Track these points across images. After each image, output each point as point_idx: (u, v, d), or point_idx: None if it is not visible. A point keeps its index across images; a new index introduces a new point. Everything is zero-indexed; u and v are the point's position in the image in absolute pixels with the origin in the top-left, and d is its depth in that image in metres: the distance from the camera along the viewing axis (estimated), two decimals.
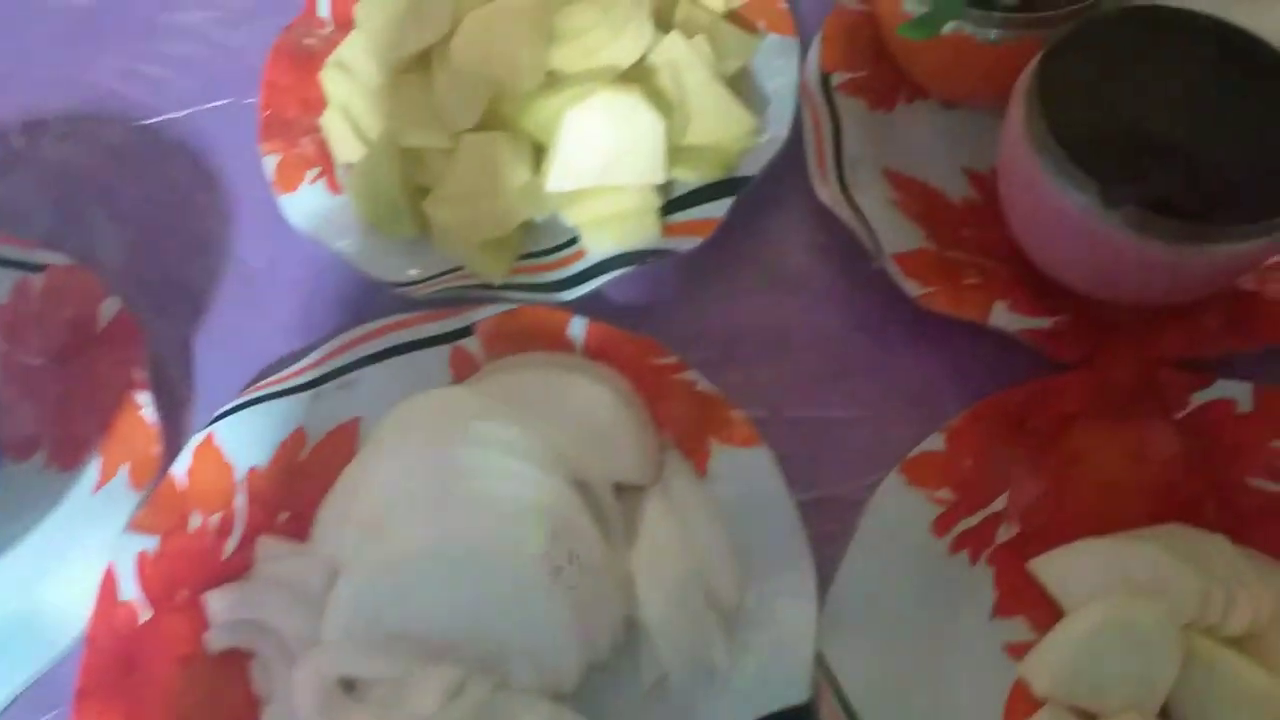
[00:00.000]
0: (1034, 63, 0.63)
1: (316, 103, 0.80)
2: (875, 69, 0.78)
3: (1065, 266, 0.65)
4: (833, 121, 0.75)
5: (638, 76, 0.71)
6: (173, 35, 0.90)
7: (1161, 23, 0.66)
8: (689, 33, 0.74)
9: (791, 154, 0.74)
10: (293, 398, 0.68)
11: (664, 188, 0.72)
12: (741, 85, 0.77)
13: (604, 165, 0.68)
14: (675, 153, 0.71)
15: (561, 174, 0.68)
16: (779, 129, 0.75)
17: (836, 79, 0.78)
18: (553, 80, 0.70)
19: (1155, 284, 0.63)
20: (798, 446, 0.64)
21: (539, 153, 0.70)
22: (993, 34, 0.68)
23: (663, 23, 0.76)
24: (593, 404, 0.62)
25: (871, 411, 0.67)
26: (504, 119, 0.70)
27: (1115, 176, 0.59)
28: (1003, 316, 0.66)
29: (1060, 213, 0.60)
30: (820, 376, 0.69)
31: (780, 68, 0.78)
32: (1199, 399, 0.63)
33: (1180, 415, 0.63)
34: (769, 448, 0.62)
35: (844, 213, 0.71)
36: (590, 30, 0.69)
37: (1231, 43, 0.64)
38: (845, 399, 0.68)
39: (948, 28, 0.68)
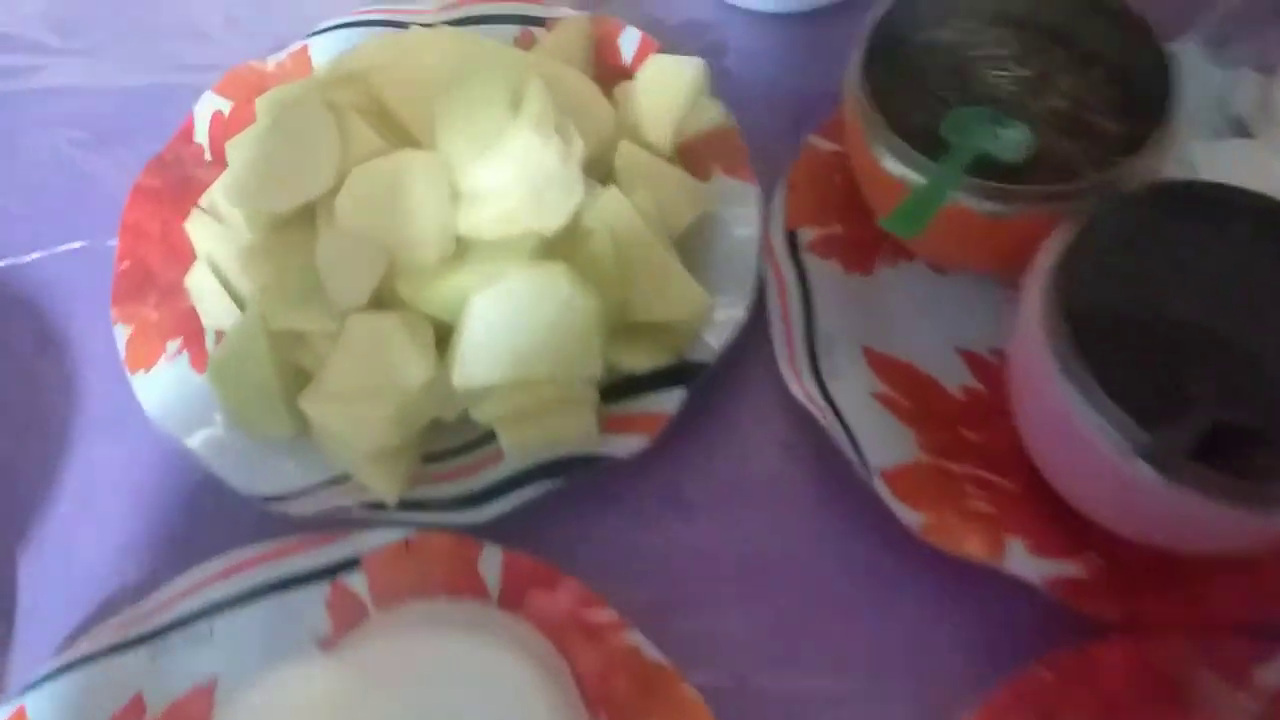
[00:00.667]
0: (1050, 262, 0.50)
1: (185, 253, 0.66)
2: (850, 223, 0.65)
3: (1094, 506, 0.52)
4: (802, 289, 0.63)
5: (566, 244, 0.58)
6: (22, 155, 0.76)
7: (1202, 201, 0.54)
8: (630, 183, 0.62)
9: (755, 327, 0.62)
10: (128, 655, 0.53)
11: (602, 377, 0.59)
12: (693, 245, 0.64)
13: (523, 356, 0.55)
14: (616, 335, 0.58)
15: (471, 367, 0.55)
16: (738, 301, 0.62)
17: (805, 235, 0.65)
18: (461, 250, 0.57)
19: (1209, 540, 0.50)
20: None
21: (444, 338, 0.57)
22: (993, 207, 0.55)
23: (598, 168, 0.63)
24: (502, 687, 0.48)
25: (862, 683, 0.54)
26: (401, 297, 0.56)
27: (1160, 413, 0.46)
28: (1019, 559, 0.53)
29: (1088, 450, 0.48)
30: (797, 628, 0.55)
31: (739, 219, 0.66)
32: (1269, 676, 0.50)
33: (1245, 694, 0.50)
34: None
35: (820, 413, 0.58)
36: (507, 190, 0.56)
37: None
38: (828, 662, 0.54)
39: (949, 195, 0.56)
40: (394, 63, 0.61)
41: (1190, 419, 0.49)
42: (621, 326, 0.59)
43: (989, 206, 0.56)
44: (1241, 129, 0.67)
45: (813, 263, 0.64)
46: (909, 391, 0.61)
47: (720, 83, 0.73)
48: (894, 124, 0.62)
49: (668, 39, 0.76)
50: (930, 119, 0.62)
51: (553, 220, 0.57)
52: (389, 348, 0.54)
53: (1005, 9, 0.65)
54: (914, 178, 0.57)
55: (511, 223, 0.57)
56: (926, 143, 0.58)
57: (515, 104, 0.57)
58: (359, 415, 0.54)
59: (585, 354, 0.55)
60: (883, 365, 0.61)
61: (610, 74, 0.71)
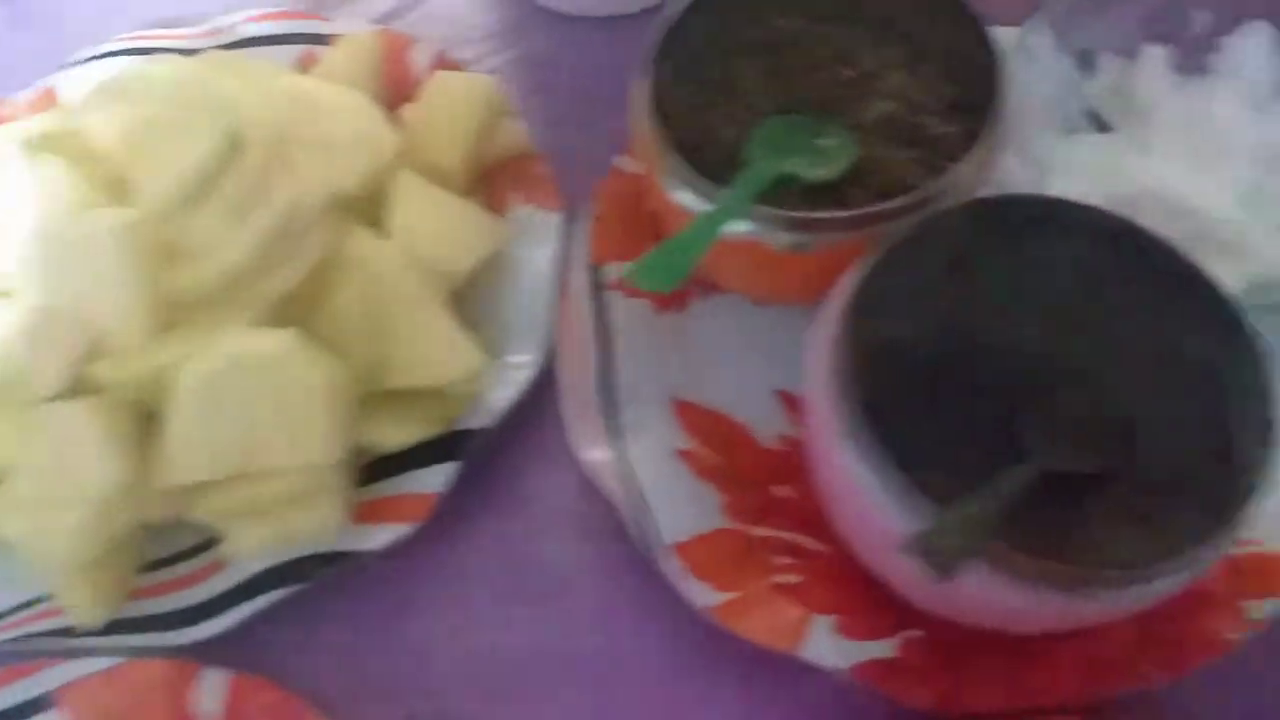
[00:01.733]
0: (841, 303, 0.42)
1: None
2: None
3: (895, 582, 0.44)
4: (601, 335, 0.55)
5: (307, 301, 0.50)
6: None
7: (1025, 219, 0.46)
8: (407, 219, 0.54)
9: (551, 381, 0.53)
10: None
11: (355, 453, 0.51)
12: (481, 288, 0.56)
13: (246, 443, 0.47)
14: (370, 405, 0.50)
15: (181, 462, 0.47)
16: (528, 353, 0.54)
17: (611, 272, 0.57)
18: (176, 321, 0.48)
19: (1025, 622, 0.42)
20: None
21: (151, 427, 0.48)
22: (791, 239, 0.47)
23: (374, 202, 0.55)
24: None
25: None
26: (100, 380, 0.48)
27: (981, 470, 0.39)
28: (822, 644, 0.46)
29: (879, 525, 0.40)
30: None
31: (536, 257, 0.57)
32: None
33: None
34: None
35: (610, 482, 0.50)
36: (228, 244, 0.48)
37: (1119, 243, 0.45)
38: None
39: (732, 228, 0.48)
40: (110, 102, 0.53)
41: (1004, 479, 0.41)
42: (377, 395, 0.50)
43: (786, 239, 0.48)
44: (1100, 122, 0.59)
45: (618, 303, 0.56)
46: (718, 445, 0.53)
47: (530, 99, 0.65)
48: (701, 141, 0.54)
49: (474, 52, 0.68)
50: (742, 133, 0.54)
51: (284, 278, 0.49)
52: (77, 444, 0.46)
53: (827, 2, 0.57)
54: (706, 210, 0.49)
55: (236, 283, 0.48)
56: (736, 163, 0.50)
57: (237, 145, 0.49)
58: (44, 525, 0.46)
59: (323, 436, 0.47)
60: (691, 417, 0.54)
61: (400, 94, 0.62)
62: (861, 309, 0.43)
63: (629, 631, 0.50)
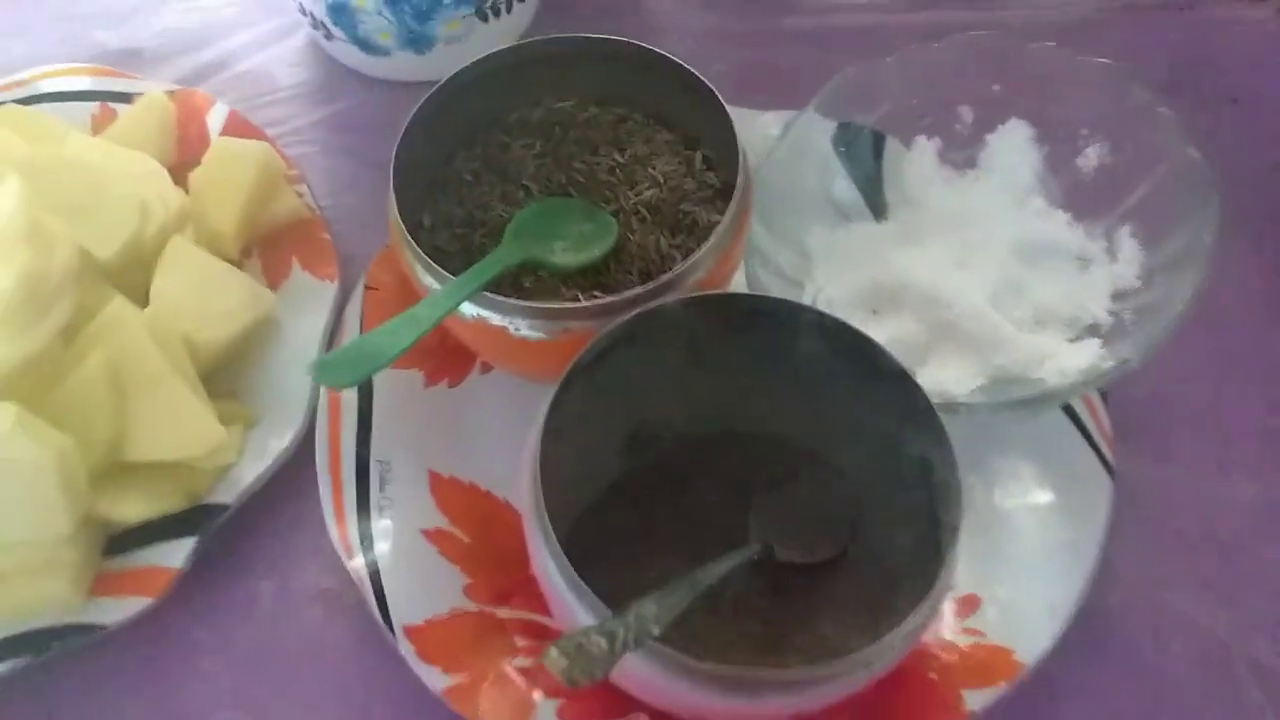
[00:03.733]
0: (544, 409, 0.43)
1: None
2: (442, 329, 0.57)
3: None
4: (360, 409, 0.55)
5: (47, 372, 0.49)
6: None
7: (733, 313, 0.47)
8: (173, 286, 0.54)
9: (309, 455, 0.53)
10: None
11: (96, 525, 0.50)
12: (248, 357, 0.56)
13: None
14: (110, 476, 0.50)
15: None
16: (285, 427, 0.54)
17: None
18: None
19: (727, 717, 0.43)
20: None
21: None
22: (523, 325, 0.48)
23: (139, 273, 0.54)
24: None
25: None
26: None
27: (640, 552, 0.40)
28: None
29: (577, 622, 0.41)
30: None
31: (307, 326, 0.57)
32: None
33: None
34: None
35: (351, 561, 0.50)
36: None
37: (829, 339, 0.46)
38: None
39: (470, 312, 0.48)
40: None
41: (705, 571, 0.42)
42: (120, 466, 0.50)
43: (524, 326, 0.48)
44: (877, 207, 0.60)
45: (385, 376, 0.56)
46: (473, 524, 0.53)
47: (332, 159, 0.66)
48: (474, 220, 0.55)
49: (281, 113, 0.68)
50: (513, 213, 0.55)
51: (16, 351, 0.48)
52: None
53: (603, 85, 0.58)
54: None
55: None
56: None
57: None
58: None
59: (48, 513, 0.47)
60: (448, 492, 0.54)
61: (194, 156, 0.62)
62: (561, 414, 0.43)
63: (366, 711, 0.49)
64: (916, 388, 0.44)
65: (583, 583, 0.39)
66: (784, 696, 0.39)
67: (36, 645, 0.48)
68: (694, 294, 0.47)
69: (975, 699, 0.47)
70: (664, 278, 0.48)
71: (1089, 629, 0.50)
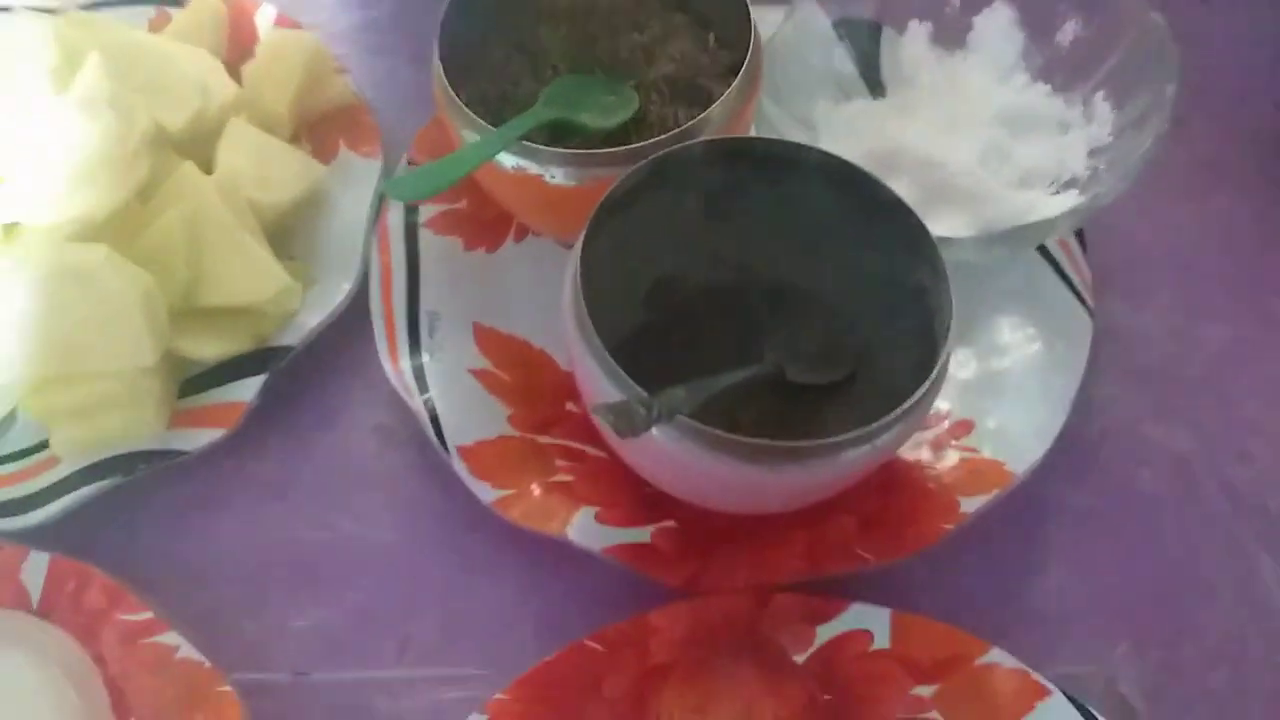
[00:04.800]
0: (580, 239, 0.48)
1: None
2: (478, 199, 0.63)
3: (647, 471, 0.50)
4: (410, 271, 0.60)
5: (130, 224, 0.55)
6: None
7: (746, 157, 0.52)
8: (233, 160, 0.59)
9: (362, 310, 0.59)
10: None
11: (174, 364, 0.55)
12: (303, 224, 0.62)
13: (66, 347, 0.52)
14: (187, 319, 0.55)
15: (6, 360, 0.51)
16: (341, 282, 0.59)
17: (426, 213, 0.62)
18: (7, 237, 0.53)
19: (752, 499, 0.49)
20: None
21: None
22: (558, 174, 0.53)
23: (202, 149, 0.60)
24: (18, 697, 0.45)
25: (428, 668, 0.51)
26: None
27: (666, 376, 0.45)
28: (584, 529, 0.52)
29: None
30: (371, 619, 0.53)
31: (356, 198, 0.63)
32: (826, 633, 0.49)
33: (804, 656, 0.49)
34: None
35: (406, 392, 0.56)
36: (50, 171, 0.53)
37: (833, 178, 0.51)
38: (392, 650, 0.52)
39: (509, 163, 0.53)
40: None
41: (725, 376, 0.47)
42: (195, 310, 0.55)
43: (556, 172, 0.53)
44: (875, 86, 0.66)
45: (430, 240, 0.62)
46: (514, 367, 0.58)
47: (369, 59, 0.71)
48: (504, 94, 0.60)
49: (322, 16, 0.73)
50: (541, 88, 0.60)
51: (104, 202, 0.54)
52: None
53: None
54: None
55: (59, 206, 0.53)
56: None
57: (62, 81, 0.54)
58: None
59: (135, 343, 0.52)
60: (490, 341, 0.59)
61: (243, 52, 0.67)
62: (593, 247, 0.48)
63: (422, 525, 0.55)
64: (911, 214, 0.50)
65: (621, 370, 0.44)
66: (796, 464, 0.44)
67: (125, 467, 0.53)
68: (709, 138, 0.52)
69: (970, 504, 0.52)
70: (684, 126, 0.53)
71: (1071, 454, 0.56)
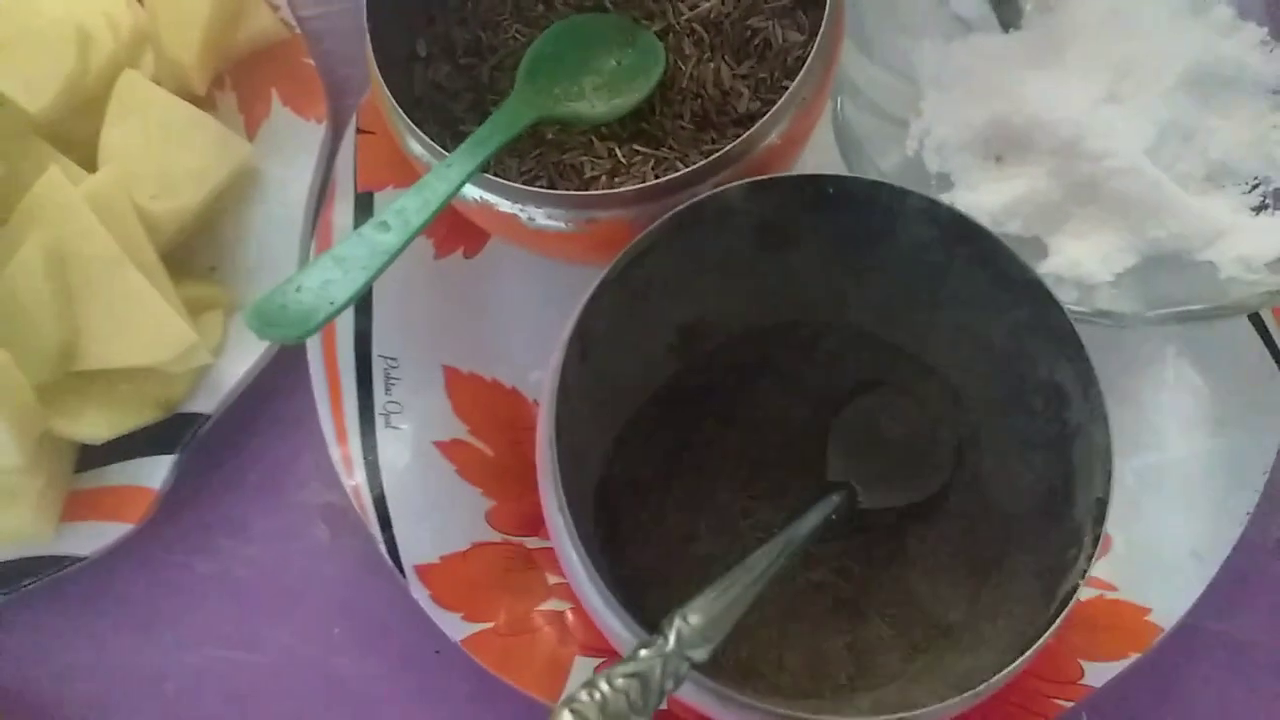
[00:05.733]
0: (565, 336, 0.33)
1: None
2: None
3: None
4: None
5: None
6: None
7: (806, 204, 0.36)
8: (124, 135, 0.44)
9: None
10: None
11: (60, 444, 0.43)
12: (223, 220, 0.47)
13: None
14: (65, 390, 0.42)
15: None
16: None
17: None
18: None
19: None
20: None
21: None
22: (538, 215, 0.37)
23: (94, 106, 0.44)
24: None
25: None
26: None
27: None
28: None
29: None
30: None
31: (291, 180, 0.47)
32: None
33: None
34: None
35: (352, 486, 0.43)
36: None
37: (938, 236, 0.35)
38: None
39: (471, 194, 0.38)
40: None
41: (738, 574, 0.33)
42: (73, 378, 0.42)
43: (530, 215, 0.38)
44: (1007, 10, 0.46)
45: None
46: (496, 432, 0.45)
47: None
48: (482, 47, 0.43)
49: None
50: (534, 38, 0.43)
51: None
52: None
53: None
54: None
55: None
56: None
57: None
58: None
59: None
60: (466, 393, 0.46)
61: None
62: (588, 336, 0.34)
63: (381, 644, 0.44)
64: (1051, 301, 0.34)
65: (615, 599, 0.30)
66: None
67: (6, 581, 0.42)
68: (755, 179, 0.36)
69: (1098, 673, 0.39)
70: (714, 154, 0.36)
71: (1241, 567, 0.41)
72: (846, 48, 0.42)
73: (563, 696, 0.28)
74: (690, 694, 0.30)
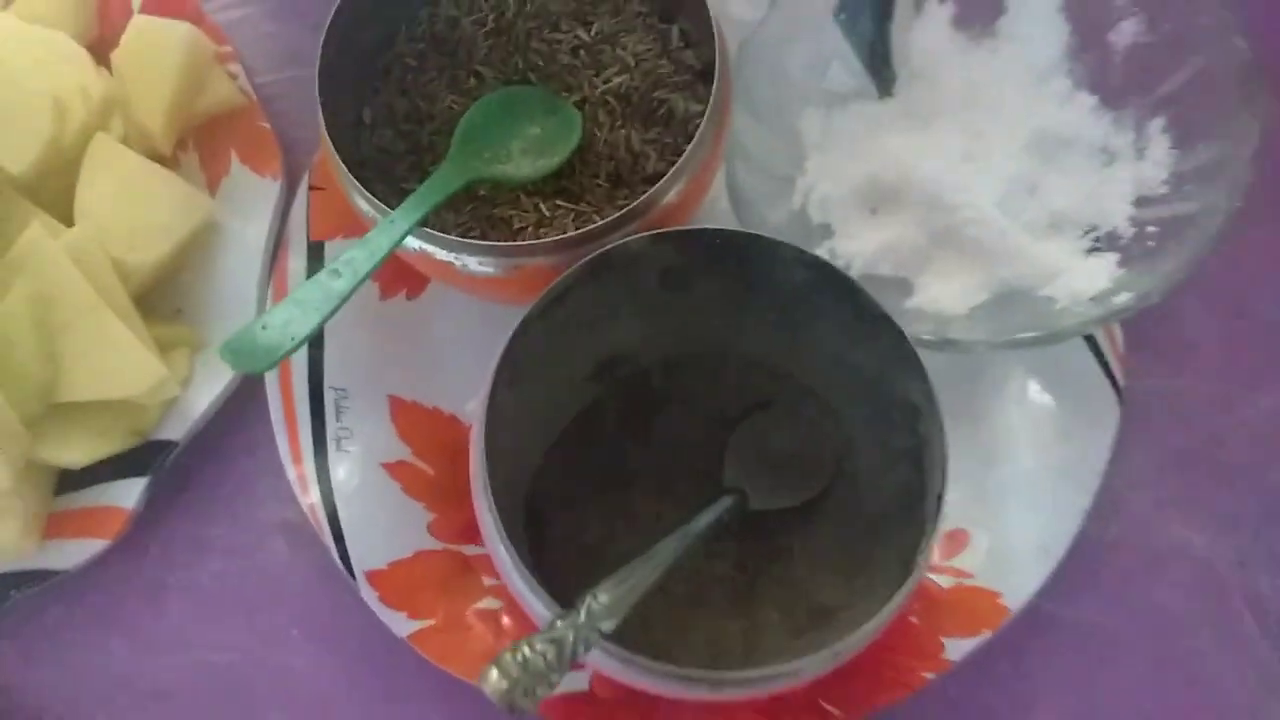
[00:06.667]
0: (491, 373, 0.39)
1: None
2: None
3: None
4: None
5: None
6: None
7: (700, 252, 0.42)
8: (97, 194, 0.50)
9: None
10: None
11: (43, 468, 0.48)
12: (186, 270, 0.53)
13: None
14: (47, 420, 0.47)
15: None
16: None
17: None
18: None
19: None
20: None
21: None
22: (470, 262, 0.43)
23: (53, 172, 0.50)
24: None
25: None
26: None
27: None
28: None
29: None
30: None
31: (249, 234, 0.53)
32: None
33: None
34: None
35: (307, 502, 0.48)
36: None
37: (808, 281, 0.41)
38: None
39: (411, 244, 0.44)
40: None
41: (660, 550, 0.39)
42: (54, 410, 0.47)
43: (463, 262, 0.44)
44: (883, 80, 0.53)
45: None
46: (437, 454, 0.50)
47: (270, 28, 0.59)
48: (422, 114, 0.49)
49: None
50: (467, 105, 0.49)
51: None
52: None
53: None
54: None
55: None
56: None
57: None
58: None
59: None
60: (409, 419, 0.51)
61: (119, 28, 0.55)
62: (513, 365, 0.40)
63: (339, 644, 0.49)
64: (900, 334, 0.40)
65: (535, 581, 0.36)
66: (745, 690, 0.37)
67: None
68: (656, 231, 0.42)
69: (956, 648, 0.45)
70: (625, 208, 0.43)
71: (1082, 558, 0.48)
72: (739, 116, 0.49)
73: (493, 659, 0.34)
74: (599, 659, 0.36)
